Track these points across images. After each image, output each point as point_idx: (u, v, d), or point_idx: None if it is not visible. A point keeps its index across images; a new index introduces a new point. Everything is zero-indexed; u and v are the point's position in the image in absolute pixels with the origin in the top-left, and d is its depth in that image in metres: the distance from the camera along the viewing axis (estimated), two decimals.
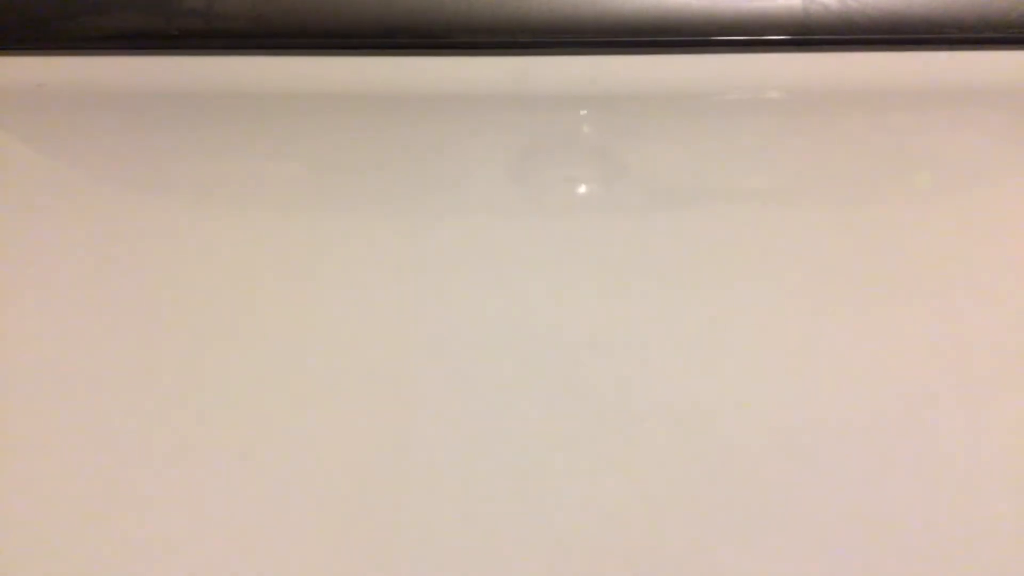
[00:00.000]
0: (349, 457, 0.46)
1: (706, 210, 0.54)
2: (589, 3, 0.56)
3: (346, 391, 0.48)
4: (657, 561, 0.43)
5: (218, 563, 0.43)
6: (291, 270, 0.52)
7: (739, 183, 0.56)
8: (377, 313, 0.50)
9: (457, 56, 0.58)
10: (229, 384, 0.48)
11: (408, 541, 0.44)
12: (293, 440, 0.46)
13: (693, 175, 0.56)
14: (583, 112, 0.59)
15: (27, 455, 0.47)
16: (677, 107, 0.59)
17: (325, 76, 0.59)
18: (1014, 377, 0.48)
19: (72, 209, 0.55)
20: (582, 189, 0.56)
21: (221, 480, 0.45)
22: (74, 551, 0.44)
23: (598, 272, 0.51)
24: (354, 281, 0.51)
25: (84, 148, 0.59)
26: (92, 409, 0.48)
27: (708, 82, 0.59)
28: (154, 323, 0.50)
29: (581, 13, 0.56)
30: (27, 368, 0.49)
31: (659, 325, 0.49)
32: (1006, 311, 0.50)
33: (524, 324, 0.49)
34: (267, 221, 0.54)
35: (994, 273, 0.51)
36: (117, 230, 0.54)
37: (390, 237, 0.53)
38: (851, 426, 0.46)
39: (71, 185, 0.57)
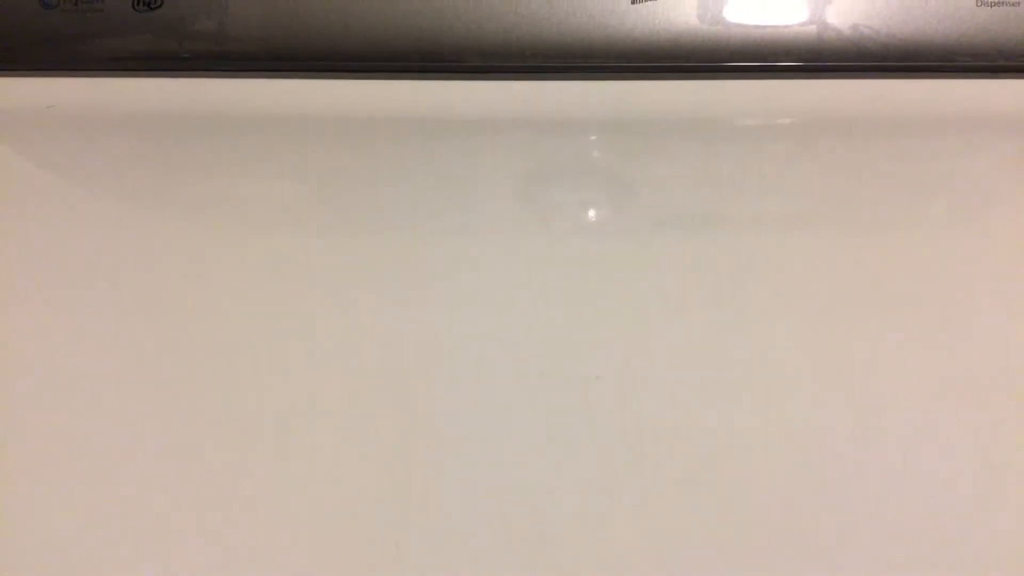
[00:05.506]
0: (352, 479, 0.45)
1: (716, 236, 0.53)
2: (599, 27, 0.56)
3: (350, 414, 0.47)
4: None
5: (217, 564, 0.43)
6: (297, 291, 0.52)
7: (750, 209, 0.55)
8: (382, 336, 0.50)
9: (467, 80, 0.58)
10: (233, 402, 0.48)
11: (405, 560, 0.43)
12: (295, 459, 0.46)
13: (703, 201, 0.56)
14: (592, 137, 0.59)
15: (25, 461, 0.46)
16: (687, 132, 0.59)
17: (335, 98, 0.59)
18: None
19: (83, 231, 0.55)
20: (591, 214, 0.56)
21: (219, 491, 0.45)
22: (73, 551, 0.44)
23: (606, 297, 0.51)
24: (360, 303, 0.51)
25: (94, 170, 0.59)
26: (92, 422, 0.47)
27: (719, 107, 0.59)
28: (163, 344, 0.50)
29: (592, 37, 0.56)
30: (27, 382, 0.49)
31: (668, 351, 0.49)
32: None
33: (531, 349, 0.49)
34: (275, 242, 0.54)
35: (1009, 300, 0.50)
36: (127, 252, 0.54)
37: (397, 261, 0.53)
38: (868, 455, 0.45)
39: (82, 207, 0.57)
